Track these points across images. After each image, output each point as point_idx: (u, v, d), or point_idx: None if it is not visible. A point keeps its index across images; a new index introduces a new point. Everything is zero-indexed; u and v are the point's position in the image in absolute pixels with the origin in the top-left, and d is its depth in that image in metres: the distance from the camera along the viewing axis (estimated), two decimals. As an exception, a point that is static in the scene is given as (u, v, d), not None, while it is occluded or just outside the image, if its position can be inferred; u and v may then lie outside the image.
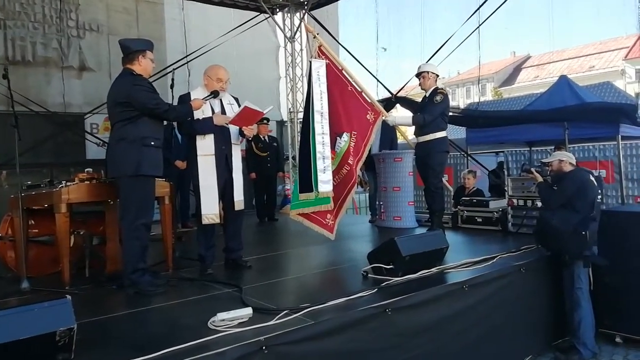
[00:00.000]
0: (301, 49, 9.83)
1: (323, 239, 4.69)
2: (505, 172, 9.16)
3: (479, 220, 5.78)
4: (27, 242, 3.97)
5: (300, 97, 9.95)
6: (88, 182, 3.75)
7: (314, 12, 9.49)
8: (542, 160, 4.52)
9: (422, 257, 3.58)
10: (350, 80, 4.72)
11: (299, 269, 4.17)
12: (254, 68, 9.75)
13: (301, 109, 10.03)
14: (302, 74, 9.86)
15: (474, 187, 6.64)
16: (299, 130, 10.10)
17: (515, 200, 5.36)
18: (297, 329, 2.54)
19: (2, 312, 2.03)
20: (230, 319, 2.62)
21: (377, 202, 6.54)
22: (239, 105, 4.21)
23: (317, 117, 4.38)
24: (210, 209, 3.94)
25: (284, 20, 9.77)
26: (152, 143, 3.44)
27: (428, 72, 5.12)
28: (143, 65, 3.48)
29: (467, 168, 7.79)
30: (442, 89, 5.11)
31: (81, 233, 4.15)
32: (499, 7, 6.60)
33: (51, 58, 10.20)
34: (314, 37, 4.48)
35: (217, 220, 3.98)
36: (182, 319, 2.84)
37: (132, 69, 3.45)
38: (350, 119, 4.67)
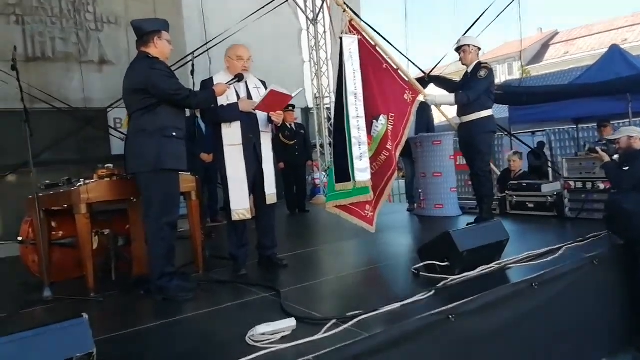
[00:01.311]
0: (325, 31, 9.37)
1: (359, 231, 4.34)
2: (549, 152, 8.66)
3: (531, 205, 5.29)
4: (50, 245, 3.71)
5: (326, 82, 9.52)
6: (108, 180, 3.44)
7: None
8: (608, 137, 4.03)
9: (480, 251, 3.16)
10: (385, 57, 4.29)
11: (338, 267, 3.80)
12: (277, 53, 9.35)
13: (327, 94, 9.61)
14: (326, 58, 9.42)
15: (520, 170, 6.14)
16: (325, 116, 9.70)
17: (572, 183, 4.86)
18: (349, 344, 2.16)
19: (9, 338, 1.72)
20: (272, 332, 2.27)
21: (416, 190, 6.11)
22: (266, 89, 3.84)
23: (350, 98, 3.99)
24: (240, 204, 3.59)
25: (305, 2, 9.31)
26: (174, 134, 3.10)
27: (469, 46, 4.64)
28: (159, 48, 3.13)
29: (512, 149, 7.25)
30: (486, 63, 4.63)
31: (106, 233, 3.88)
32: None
33: (71, 53, 10.01)
34: (344, 11, 4.06)
35: (249, 216, 3.63)
36: (216, 331, 2.51)
37: (147, 52, 3.10)
38: (387, 100, 4.25)
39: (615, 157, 3.82)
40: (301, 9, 9.31)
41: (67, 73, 9.73)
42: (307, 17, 9.30)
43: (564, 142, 8.82)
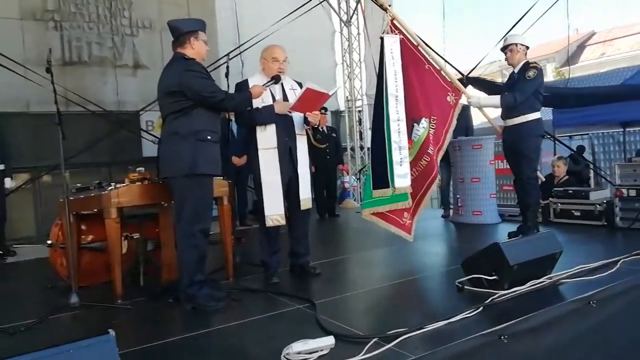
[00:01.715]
0: (358, 33, 9.21)
1: (392, 238, 4.17)
2: (591, 157, 8.24)
3: (577, 214, 4.99)
4: (78, 249, 3.66)
5: (358, 84, 9.35)
6: (139, 184, 3.35)
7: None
8: None
9: (532, 265, 2.92)
10: (427, 57, 4.09)
11: (374, 278, 3.61)
12: (310, 56, 9.22)
13: (359, 97, 9.44)
14: (359, 60, 9.26)
15: (565, 176, 5.81)
16: (356, 119, 9.51)
17: (625, 190, 4.54)
18: (393, 367, 1.98)
19: (32, 356, 1.61)
20: (309, 351, 2.10)
21: (453, 195, 5.86)
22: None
23: (391, 101, 3.81)
24: (274, 210, 3.46)
25: (339, 4, 9.17)
26: (209, 137, 2.98)
27: (517, 45, 4.39)
28: (196, 48, 3.03)
29: (555, 154, 6.91)
30: (535, 62, 4.37)
31: (135, 237, 3.81)
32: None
33: (106, 57, 10.16)
34: (385, 10, 3.88)
35: (283, 222, 3.49)
36: (249, 347, 2.36)
37: (183, 53, 3.00)
38: (429, 102, 4.05)
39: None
40: (335, 10, 9.18)
41: (102, 77, 9.88)
42: (341, 19, 9.16)
43: (608, 147, 8.39)
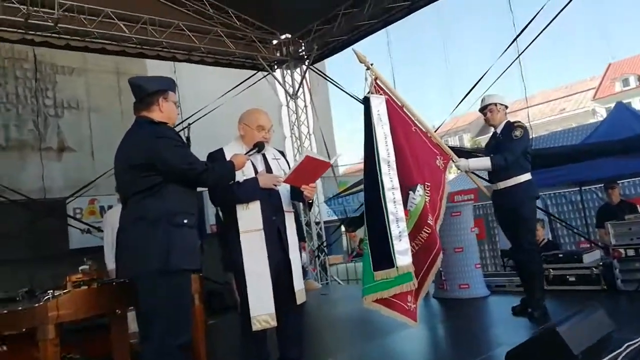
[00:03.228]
0: (305, 106, 8.99)
1: (383, 324, 3.60)
2: (547, 218, 8.22)
3: (572, 279, 4.67)
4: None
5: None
6: (86, 288, 2.56)
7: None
8: None
9: (592, 351, 2.42)
10: (413, 118, 3.75)
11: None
12: (257, 130, 8.84)
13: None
14: (308, 132, 8.97)
15: (544, 239, 5.58)
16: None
17: (622, 251, 4.30)
18: None
19: None
20: None
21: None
22: (287, 161, 3.17)
23: (384, 167, 3.35)
24: (262, 309, 2.76)
25: (283, 77, 8.98)
26: (185, 221, 2.33)
27: (496, 104, 4.19)
28: (165, 112, 2.44)
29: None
30: (519, 122, 4.18)
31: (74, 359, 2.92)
32: (538, 35, 5.86)
33: (27, 140, 9.22)
34: (368, 69, 3.53)
35: (273, 323, 2.79)
36: None
37: (150, 117, 2.39)
38: (421, 167, 3.64)
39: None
40: (280, 83, 8.95)
41: (22, 162, 8.88)
42: (287, 92, 8.92)
43: (561, 207, 8.47)
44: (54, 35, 6.42)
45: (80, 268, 2.83)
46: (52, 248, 7.37)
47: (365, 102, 3.46)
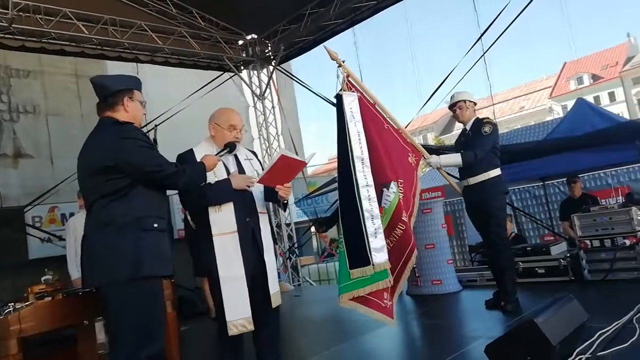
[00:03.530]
0: (273, 107, 8.91)
1: (358, 324, 3.58)
2: (512, 212, 8.41)
3: (541, 271, 4.77)
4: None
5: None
6: (50, 299, 2.42)
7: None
8: None
9: (568, 341, 2.46)
10: (385, 116, 3.74)
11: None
12: (224, 132, 8.69)
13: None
14: (276, 133, 8.89)
15: (512, 233, 5.69)
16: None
17: (588, 242, 4.41)
18: None
19: None
20: None
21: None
22: (260, 162, 3.10)
23: (358, 164, 3.31)
24: (239, 313, 2.68)
25: (250, 78, 8.87)
26: (155, 225, 2.23)
27: (465, 101, 4.24)
28: (131, 111, 2.33)
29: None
30: (487, 118, 4.23)
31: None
32: (501, 34, 5.98)
33: (-22, 147, 8.79)
34: (339, 66, 3.50)
35: (251, 327, 2.71)
36: None
37: (114, 118, 2.28)
38: (394, 164, 3.63)
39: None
40: (247, 84, 8.84)
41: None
42: (254, 93, 8.82)
43: (526, 201, 8.68)
44: (7, 36, 6.13)
45: (42, 278, 2.69)
46: (11, 259, 7.03)
47: (338, 99, 3.42)
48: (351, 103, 3.41)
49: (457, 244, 9.20)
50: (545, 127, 8.78)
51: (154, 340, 2.15)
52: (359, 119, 3.44)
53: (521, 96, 43.48)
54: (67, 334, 2.74)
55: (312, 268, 9.35)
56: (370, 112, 3.60)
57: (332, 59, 3.47)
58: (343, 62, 3.52)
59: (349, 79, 3.53)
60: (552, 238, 6.66)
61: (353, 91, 3.52)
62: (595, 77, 37.33)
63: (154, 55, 7.71)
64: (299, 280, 8.40)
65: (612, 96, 36.10)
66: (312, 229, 10.49)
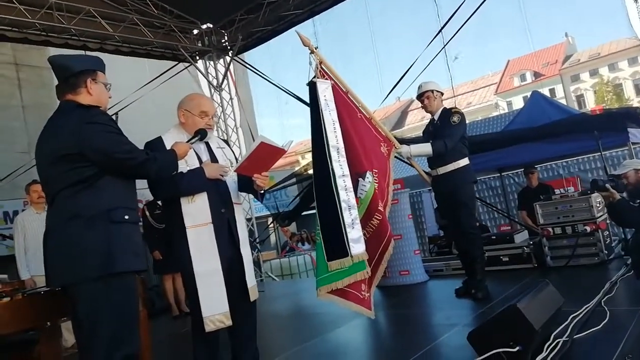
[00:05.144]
0: (231, 98, 8.68)
1: (329, 317, 3.54)
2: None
3: (505, 259, 4.87)
4: None
5: (237, 151, 8.70)
6: (9, 299, 2.19)
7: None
8: (614, 173, 3.73)
9: (547, 325, 2.49)
10: (358, 105, 3.67)
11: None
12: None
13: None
14: (235, 126, 8.67)
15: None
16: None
17: (550, 229, 4.54)
18: None
19: None
20: None
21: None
22: (232, 151, 2.95)
23: (333, 154, 3.23)
24: (215, 308, 2.54)
25: (206, 68, 8.60)
26: (126, 217, 2.06)
27: (432, 91, 4.25)
28: (95, 94, 2.13)
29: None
30: (455, 108, 4.25)
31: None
32: (461, 27, 6.06)
33: None
34: (312, 52, 3.39)
35: (229, 322, 2.57)
36: None
37: (76, 101, 2.08)
38: (368, 154, 3.58)
39: (623, 194, 3.52)
40: (203, 75, 8.56)
41: None
42: (210, 83, 8.55)
43: (483, 192, 8.89)
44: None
45: (-5, 279, 2.43)
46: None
47: (312, 87, 3.32)
48: (325, 91, 3.33)
49: (418, 235, 9.30)
50: (491, 123, 9.05)
51: (130, 340, 1.98)
52: (333, 108, 3.36)
53: (469, 92, 44.91)
54: (28, 337, 2.50)
55: (274, 263, 9.21)
56: (344, 101, 3.53)
57: (305, 45, 3.36)
58: (316, 48, 3.42)
59: (322, 66, 3.43)
60: (509, 228, 6.86)
61: (326, 78, 3.43)
62: (537, 75, 39.03)
63: (103, 43, 7.32)
64: (261, 276, 8.25)
65: (552, 92, 37.90)
66: (271, 224, 10.35)
